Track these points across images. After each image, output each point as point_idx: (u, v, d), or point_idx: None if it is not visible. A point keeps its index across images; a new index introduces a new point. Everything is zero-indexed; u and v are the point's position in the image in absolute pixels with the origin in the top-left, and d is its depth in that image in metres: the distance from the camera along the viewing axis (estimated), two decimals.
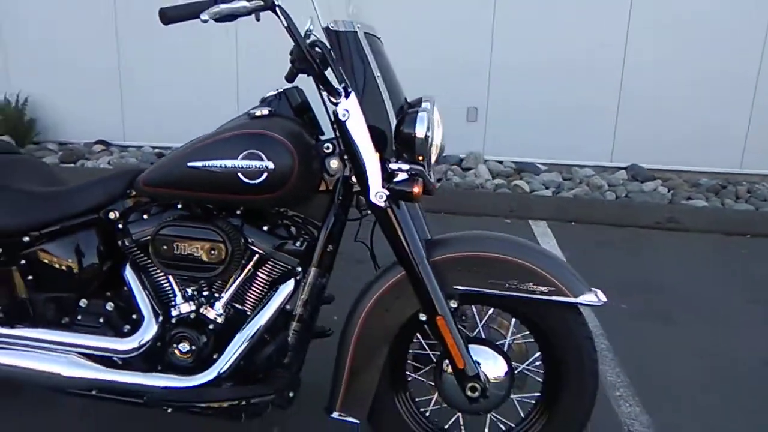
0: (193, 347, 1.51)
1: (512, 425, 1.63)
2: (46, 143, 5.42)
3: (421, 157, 1.41)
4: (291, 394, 1.54)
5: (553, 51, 4.79)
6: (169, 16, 1.33)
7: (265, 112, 1.50)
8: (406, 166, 1.41)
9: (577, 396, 1.53)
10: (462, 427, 1.65)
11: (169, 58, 5.17)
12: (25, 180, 1.69)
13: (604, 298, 1.49)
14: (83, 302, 1.62)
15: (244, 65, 5.17)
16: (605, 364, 2.25)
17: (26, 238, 1.61)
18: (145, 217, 1.56)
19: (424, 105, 1.46)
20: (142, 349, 1.53)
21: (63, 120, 5.50)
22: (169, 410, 1.52)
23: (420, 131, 1.36)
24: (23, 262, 1.62)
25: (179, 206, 1.54)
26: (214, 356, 1.51)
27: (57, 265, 1.61)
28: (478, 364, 1.49)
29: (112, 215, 1.57)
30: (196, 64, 5.14)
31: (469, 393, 1.48)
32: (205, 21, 1.33)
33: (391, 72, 1.52)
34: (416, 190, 1.38)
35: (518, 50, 4.84)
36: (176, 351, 1.51)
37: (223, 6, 1.31)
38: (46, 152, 5.16)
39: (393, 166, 1.41)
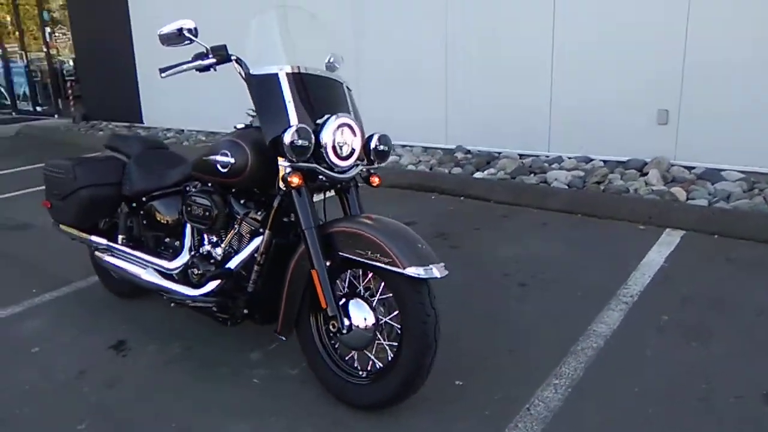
0: (201, 272, 2.48)
1: (382, 366, 2.16)
2: None
3: (295, 158, 2.08)
4: (245, 311, 2.39)
5: (756, 47, 4.35)
6: (164, 71, 2.30)
7: (242, 126, 2.37)
8: (286, 164, 2.10)
9: (415, 350, 2.01)
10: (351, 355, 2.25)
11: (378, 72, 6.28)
12: (157, 163, 2.88)
13: (437, 273, 1.95)
14: (167, 239, 2.75)
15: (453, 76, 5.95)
16: None
17: (144, 198, 2.80)
18: (191, 190, 2.59)
19: (324, 119, 2.13)
20: (177, 270, 2.58)
21: None
22: (184, 307, 2.53)
23: (286, 140, 2.04)
24: (142, 212, 2.83)
25: (202, 185, 2.52)
26: (212, 279, 2.45)
27: (157, 216, 2.77)
28: (348, 314, 2.10)
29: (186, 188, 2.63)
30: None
31: (331, 329, 2.12)
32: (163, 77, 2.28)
33: (309, 100, 2.20)
34: (292, 180, 2.08)
35: (715, 48, 4.53)
36: (192, 272, 2.51)
37: (189, 64, 2.23)
38: None
39: (283, 163, 2.12)
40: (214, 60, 2.25)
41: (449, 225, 4.18)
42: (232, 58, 2.27)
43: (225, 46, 2.28)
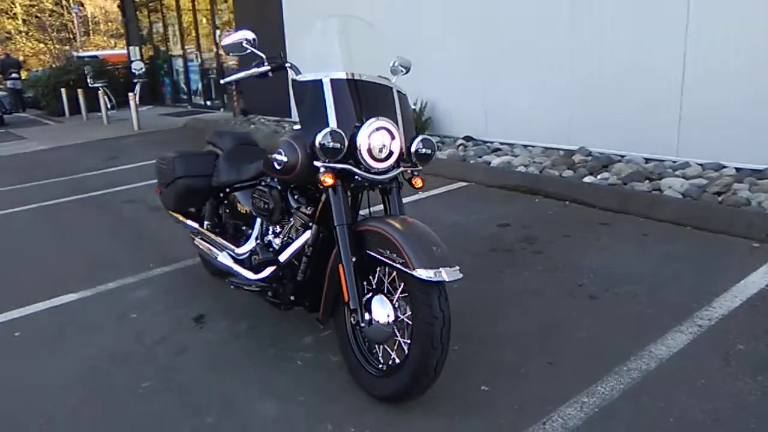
0: (260, 258, 2.74)
1: (397, 362, 2.25)
2: (434, 135, 7.24)
3: (328, 159, 2.23)
4: (292, 298, 2.61)
5: None
6: (223, 78, 2.56)
7: (297, 128, 2.58)
8: (320, 165, 2.26)
9: (421, 350, 2.08)
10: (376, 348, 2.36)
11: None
12: (242, 158, 3.20)
13: (446, 277, 2.02)
14: (243, 227, 3.06)
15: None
16: None
17: (228, 189, 3.14)
18: (260, 184, 2.85)
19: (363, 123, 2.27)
20: (243, 256, 2.87)
21: (447, 118, 7.22)
22: (241, 290, 2.81)
23: (317, 141, 2.20)
24: (226, 201, 3.17)
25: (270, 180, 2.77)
26: (266, 265, 2.70)
27: (236, 206, 3.09)
28: (371, 308, 2.22)
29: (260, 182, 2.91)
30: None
31: (351, 321, 2.26)
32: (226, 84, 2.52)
33: (352, 104, 2.33)
34: (325, 180, 2.24)
35: None
36: (254, 258, 2.78)
37: (248, 72, 2.47)
38: None
39: (318, 163, 2.28)
40: (269, 67, 2.48)
41: (542, 230, 4.08)
42: (287, 65, 2.48)
43: (280, 54, 2.49)
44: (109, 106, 14.39)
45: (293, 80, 2.43)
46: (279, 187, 2.70)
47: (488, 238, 4.00)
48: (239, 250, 2.95)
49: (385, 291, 2.29)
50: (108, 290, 3.60)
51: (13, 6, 57.86)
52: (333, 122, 2.31)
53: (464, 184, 5.44)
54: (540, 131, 6.14)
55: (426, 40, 7.23)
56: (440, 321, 2.06)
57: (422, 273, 2.03)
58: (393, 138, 2.35)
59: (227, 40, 2.50)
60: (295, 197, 2.64)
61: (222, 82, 2.62)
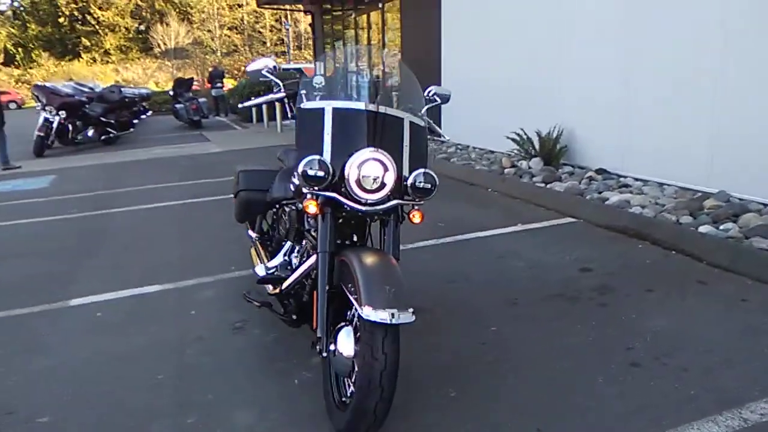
0: (281, 275, 2.87)
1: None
2: (569, 165, 6.86)
3: (316, 187, 2.28)
4: (294, 317, 2.70)
5: None
6: (242, 103, 2.73)
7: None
8: (306, 191, 2.32)
9: (359, 391, 2.05)
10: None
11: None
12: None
13: (389, 319, 1.98)
14: (282, 243, 3.23)
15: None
16: None
17: (278, 205, 3.32)
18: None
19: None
20: (270, 270, 3.02)
21: (584, 148, 6.79)
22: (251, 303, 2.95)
23: (299, 169, 2.26)
24: (274, 216, 3.36)
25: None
26: (277, 284, 2.83)
27: (280, 221, 3.27)
28: (337, 338, 2.24)
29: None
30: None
31: (316, 348, 2.29)
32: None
33: (351, 133, 2.37)
34: (307, 206, 2.31)
35: None
36: (276, 273, 2.92)
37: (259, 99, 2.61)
38: (560, 173, 6.59)
39: (305, 190, 2.35)
40: (284, 94, 2.60)
41: (625, 280, 3.69)
42: (301, 92, 2.59)
43: (297, 82, 2.60)
44: (289, 115, 15.73)
45: (298, 107, 2.52)
46: (298, 209, 2.81)
47: (561, 282, 3.72)
48: (269, 264, 3.11)
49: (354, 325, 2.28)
50: (185, 286, 4.00)
51: (241, 23, 65.47)
52: (327, 150, 2.36)
53: (572, 220, 5.09)
54: (678, 169, 5.52)
55: (571, 64, 6.88)
56: (380, 364, 2.00)
57: (367, 311, 2.00)
58: (386, 170, 2.33)
59: (251, 67, 2.68)
60: (308, 220, 2.73)
61: (240, 106, 2.81)
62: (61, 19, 60.21)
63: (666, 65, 5.62)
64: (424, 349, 2.96)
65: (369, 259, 2.19)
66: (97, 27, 60.14)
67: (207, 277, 4.12)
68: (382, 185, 2.33)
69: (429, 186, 2.39)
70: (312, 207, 2.32)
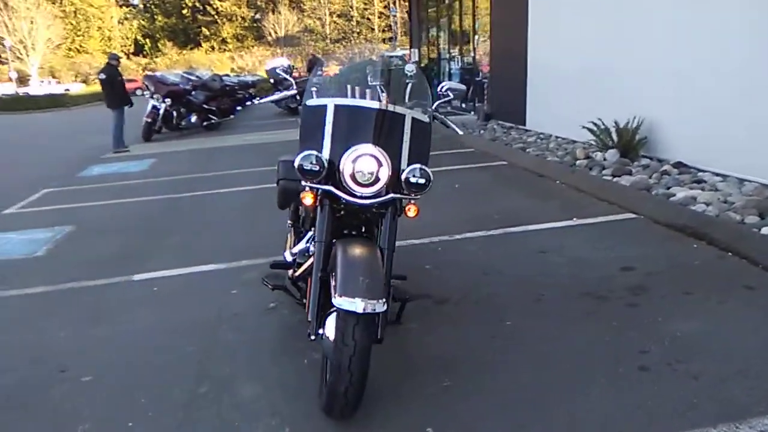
0: (300, 261, 3.05)
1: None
2: (647, 157, 6.54)
3: (312, 180, 2.43)
4: (304, 301, 2.87)
5: None
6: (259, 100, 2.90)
7: None
8: (304, 184, 2.47)
9: (331, 375, 2.19)
10: None
11: None
12: None
13: (357, 308, 2.10)
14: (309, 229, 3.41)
15: None
16: None
17: None
18: None
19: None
20: (294, 256, 3.20)
21: (666, 139, 6.45)
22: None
23: (296, 162, 2.41)
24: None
25: None
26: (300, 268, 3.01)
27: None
28: (325, 324, 2.39)
29: None
30: None
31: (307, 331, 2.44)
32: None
33: (350, 129, 2.49)
34: (304, 199, 2.46)
35: None
36: (297, 259, 3.11)
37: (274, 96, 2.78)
38: (633, 167, 6.31)
39: (303, 183, 2.49)
40: (296, 91, 2.75)
41: (664, 281, 3.54)
42: (311, 89, 2.72)
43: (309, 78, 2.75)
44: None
45: (304, 104, 2.66)
46: None
47: (596, 280, 3.64)
48: (293, 250, 3.29)
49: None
50: (236, 267, 4.30)
51: (351, 9, 66.66)
52: (327, 146, 2.49)
53: (632, 216, 4.89)
54: (763, 165, 5.12)
55: (655, 49, 6.53)
56: (349, 350, 2.12)
57: (338, 300, 2.13)
58: (380, 165, 2.43)
59: (268, 65, 2.85)
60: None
61: (256, 102, 2.99)
62: (184, 11, 64.21)
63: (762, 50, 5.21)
64: (433, 339, 3.05)
65: (352, 250, 2.31)
66: (216, 17, 63.61)
67: (259, 258, 4.38)
68: (377, 180, 2.44)
69: (423, 181, 2.47)
70: (308, 199, 2.47)
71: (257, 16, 63.23)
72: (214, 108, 13.62)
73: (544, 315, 3.24)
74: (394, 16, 46.21)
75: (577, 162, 6.65)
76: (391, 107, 2.56)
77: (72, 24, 56.95)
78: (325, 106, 2.56)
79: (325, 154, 2.48)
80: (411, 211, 2.53)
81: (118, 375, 2.91)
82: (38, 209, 6.83)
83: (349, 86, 2.72)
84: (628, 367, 2.66)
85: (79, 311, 3.74)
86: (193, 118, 13.09)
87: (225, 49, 62.27)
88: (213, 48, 62.74)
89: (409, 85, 2.86)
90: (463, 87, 3.08)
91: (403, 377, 2.70)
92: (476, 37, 13.04)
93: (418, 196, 2.53)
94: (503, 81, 11.21)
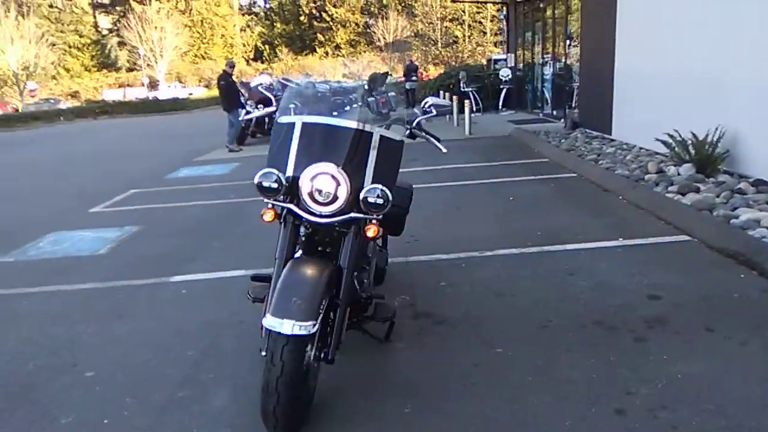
0: None
1: None
2: (728, 173, 5.99)
3: (271, 197, 2.46)
4: None
5: None
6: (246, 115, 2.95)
7: None
8: (265, 201, 2.51)
9: (260, 390, 2.20)
10: None
11: None
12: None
13: (286, 330, 2.12)
14: None
15: None
16: None
17: None
18: None
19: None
20: None
21: (752, 155, 5.87)
22: None
23: (255, 180, 2.45)
24: None
25: None
26: None
27: None
28: None
29: None
30: None
31: None
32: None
33: (315, 147, 2.50)
34: (263, 215, 2.51)
35: None
36: None
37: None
38: (704, 183, 5.79)
39: (264, 200, 2.53)
40: (274, 108, 2.79)
41: (690, 314, 3.23)
42: (290, 107, 2.76)
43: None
44: (474, 109, 15.82)
45: (276, 121, 2.70)
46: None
47: (614, 308, 3.39)
48: None
49: None
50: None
51: (462, 14, 66.44)
52: (291, 163, 2.52)
53: (685, 238, 4.51)
54: None
55: (745, 57, 5.96)
56: (277, 370, 2.13)
57: (266, 319, 2.15)
58: (338, 184, 2.42)
59: (252, 83, 2.92)
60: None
61: (241, 119, 3.05)
62: (301, 18, 66.87)
63: None
64: (414, 361, 2.98)
65: (295, 270, 2.32)
66: (331, 23, 65.68)
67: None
68: (335, 198, 2.43)
69: (381, 201, 2.43)
70: (267, 215, 2.51)
71: (370, 21, 64.57)
72: None
73: (540, 343, 3.07)
74: (503, 19, 45.40)
75: (647, 176, 6.21)
76: (356, 125, 2.54)
77: (198, 32, 61.00)
78: (294, 123, 2.58)
79: (289, 171, 2.51)
80: (370, 231, 2.49)
81: (115, 373, 3.09)
82: (119, 209, 7.40)
83: (317, 103, 2.73)
84: (603, 409, 2.46)
85: (110, 309, 4.01)
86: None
87: (338, 55, 64.12)
88: (327, 54, 64.81)
89: (391, 102, 2.82)
90: (448, 103, 3.00)
91: (366, 398, 2.66)
92: (567, 42, 12.54)
93: (378, 217, 2.49)
94: (591, 88, 10.70)
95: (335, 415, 2.53)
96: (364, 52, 63.10)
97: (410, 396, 2.65)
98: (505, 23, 18.88)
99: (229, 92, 12.22)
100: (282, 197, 2.50)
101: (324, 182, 2.42)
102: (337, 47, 65.59)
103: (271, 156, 2.62)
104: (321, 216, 2.47)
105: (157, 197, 7.99)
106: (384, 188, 2.44)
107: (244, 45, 66.76)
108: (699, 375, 2.65)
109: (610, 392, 2.57)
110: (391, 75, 22.93)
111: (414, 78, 19.77)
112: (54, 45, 47.26)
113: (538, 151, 9.28)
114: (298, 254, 2.90)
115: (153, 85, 50.59)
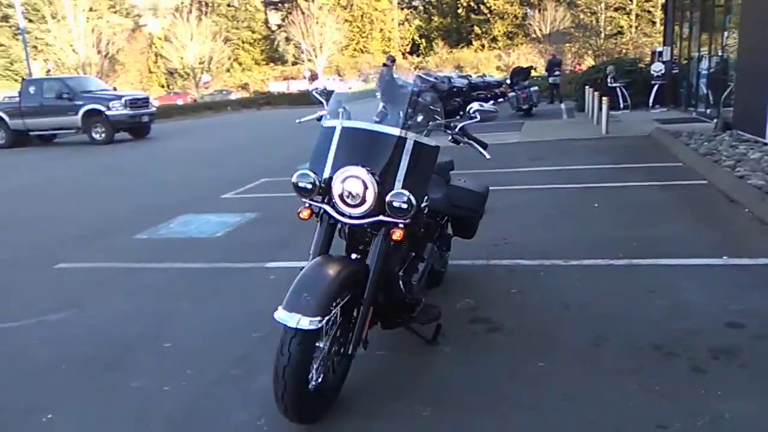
0: None
1: None
2: None
3: (306, 196, 2.62)
4: None
5: None
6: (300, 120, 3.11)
7: None
8: (303, 200, 2.67)
9: (272, 376, 2.36)
10: None
11: None
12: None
13: (292, 323, 2.28)
14: None
15: None
16: None
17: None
18: None
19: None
20: None
21: None
22: None
23: (293, 180, 2.61)
24: None
25: None
26: None
27: None
28: None
29: None
30: None
31: None
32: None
33: (352, 151, 2.61)
34: (300, 214, 2.67)
35: None
36: None
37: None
38: None
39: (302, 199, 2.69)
40: (326, 111, 2.93)
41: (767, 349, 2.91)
42: (339, 110, 2.87)
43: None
44: (621, 105, 14.95)
45: (321, 126, 2.83)
46: None
47: (684, 332, 3.13)
48: None
49: None
50: None
51: (630, 2, 62.49)
52: (329, 165, 2.65)
53: None
54: None
55: None
56: (284, 360, 2.28)
57: (277, 312, 2.30)
58: (366, 187, 2.52)
59: (311, 86, 3.07)
60: None
61: (297, 122, 3.18)
62: (459, 10, 66.80)
63: None
64: (453, 366, 2.99)
65: (315, 266, 2.46)
66: (489, 15, 64.88)
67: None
68: (363, 201, 2.53)
69: (405, 206, 2.48)
70: (304, 213, 2.67)
71: (529, 12, 62.82)
72: (438, 109, 14.10)
73: (587, 362, 2.94)
74: (664, 10, 41.99)
75: None
76: (391, 130, 2.61)
77: (358, 27, 63.37)
78: (334, 127, 2.71)
79: (326, 173, 2.64)
80: (395, 234, 2.55)
81: (188, 346, 3.45)
82: (246, 196, 8.04)
83: (362, 106, 2.82)
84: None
85: (207, 288, 4.44)
86: (419, 118, 13.72)
87: (494, 47, 63.21)
88: (483, 46, 64.17)
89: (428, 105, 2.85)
90: (494, 109, 2.95)
91: (391, 397, 2.74)
92: (725, 34, 11.35)
93: (405, 221, 2.54)
94: (748, 86, 9.63)
95: (356, 408, 2.64)
96: (521, 44, 61.56)
97: (435, 401, 2.68)
98: (663, 14, 17.52)
99: None
100: (319, 198, 2.65)
101: (353, 185, 2.53)
102: (494, 39, 64.67)
103: (313, 157, 2.76)
104: (351, 217, 2.58)
105: (282, 186, 8.51)
106: (409, 194, 2.48)
107: (401, 38, 68.19)
108: (749, 417, 2.40)
109: (639, 423, 2.41)
110: (535, 69, 22.29)
111: (557, 72, 19.07)
112: (228, 40, 51.74)
113: (674, 154, 8.58)
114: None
115: (314, 78, 53.51)
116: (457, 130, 3.04)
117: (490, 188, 4.14)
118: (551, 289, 3.88)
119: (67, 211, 7.86)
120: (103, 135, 16.21)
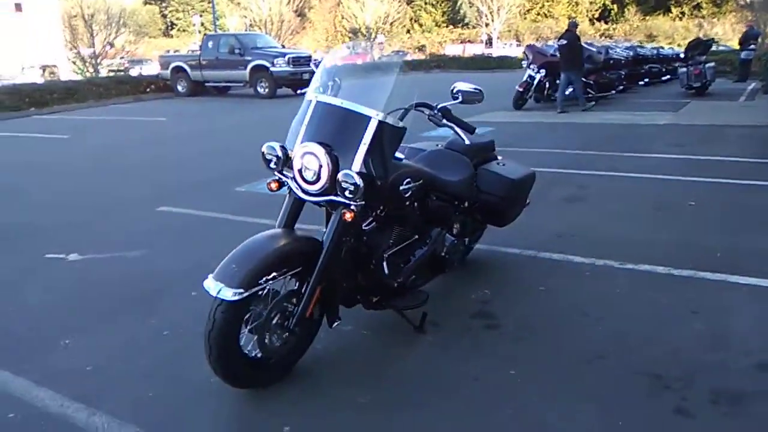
0: None
1: None
2: None
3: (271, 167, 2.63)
4: None
5: None
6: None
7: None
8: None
9: None
10: None
11: None
12: None
13: (213, 292, 2.34)
14: None
15: None
16: None
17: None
18: None
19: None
20: None
21: None
22: None
23: (262, 150, 2.63)
24: None
25: None
26: None
27: None
28: None
29: None
30: None
31: None
32: None
33: (322, 125, 2.57)
34: (269, 185, 2.70)
35: None
36: None
37: None
38: None
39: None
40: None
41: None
42: (330, 83, 2.79)
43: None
44: None
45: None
46: None
47: (698, 365, 2.70)
48: None
49: None
50: None
51: None
52: (299, 139, 2.63)
53: None
54: None
55: None
56: (209, 325, 2.35)
57: (206, 280, 2.36)
58: (321, 165, 2.47)
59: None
60: None
61: (297, 92, 3.09)
62: None
63: None
64: (425, 358, 2.88)
65: (257, 240, 2.48)
66: None
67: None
68: (318, 178, 2.48)
69: (352, 187, 2.40)
70: (273, 185, 2.68)
71: None
72: (591, 82, 13.06)
73: (565, 379, 2.66)
74: None
75: None
76: (355, 107, 2.51)
77: None
78: (310, 101, 2.66)
79: (296, 147, 2.61)
80: (346, 215, 2.48)
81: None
82: None
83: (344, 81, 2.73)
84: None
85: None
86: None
87: (696, 15, 56.72)
88: (683, 14, 57.85)
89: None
90: (477, 89, 2.71)
91: (342, 378, 2.71)
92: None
93: (358, 202, 2.45)
94: None
95: (301, 382, 2.65)
96: (731, 12, 54.45)
97: (383, 389, 2.62)
98: None
99: (572, 53, 11.88)
100: (290, 171, 2.64)
101: (310, 161, 2.49)
102: (697, 7, 57.89)
103: (291, 129, 2.74)
104: (308, 194, 2.55)
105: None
106: (356, 176, 2.39)
107: (590, 3, 63.74)
108: None
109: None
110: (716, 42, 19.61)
111: (752, 46, 16.57)
112: (412, 1, 52.04)
113: None
114: None
115: (490, 42, 52.22)
116: (436, 111, 2.84)
117: (600, 173, 3.78)
118: (582, 293, 3.53)
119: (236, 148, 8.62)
120: (266, 89, 17.32)
